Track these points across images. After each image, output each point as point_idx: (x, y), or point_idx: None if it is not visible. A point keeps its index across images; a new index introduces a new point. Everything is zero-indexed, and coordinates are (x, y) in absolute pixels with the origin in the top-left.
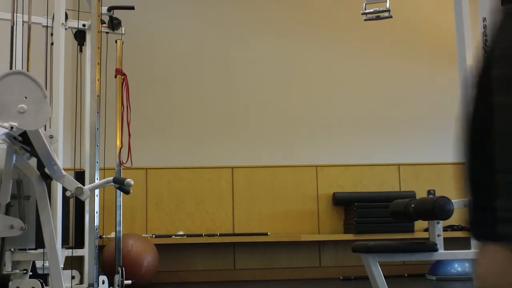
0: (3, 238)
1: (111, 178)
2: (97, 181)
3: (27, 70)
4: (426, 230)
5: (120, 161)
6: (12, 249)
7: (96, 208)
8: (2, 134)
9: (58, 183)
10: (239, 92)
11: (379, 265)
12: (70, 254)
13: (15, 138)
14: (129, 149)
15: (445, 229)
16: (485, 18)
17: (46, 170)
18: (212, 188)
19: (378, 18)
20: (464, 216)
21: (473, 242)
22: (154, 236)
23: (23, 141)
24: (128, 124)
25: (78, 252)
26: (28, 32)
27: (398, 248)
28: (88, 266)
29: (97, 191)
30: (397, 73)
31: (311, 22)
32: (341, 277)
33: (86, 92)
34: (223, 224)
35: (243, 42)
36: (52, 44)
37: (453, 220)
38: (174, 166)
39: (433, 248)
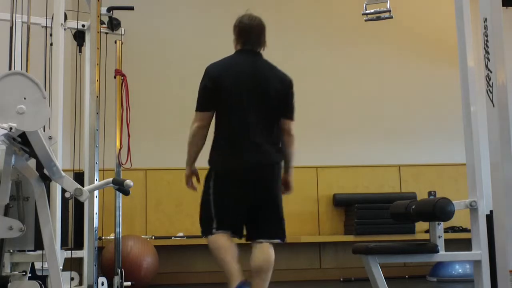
0: (2, 240)
1: (111, 179)
2: (96, 182)
3: (26, 71)
4: (427, 231)
5: (119, 162)
6: (11, 251)
7: (96, 209)
8: (1, 135)
9: (57, 184)
10: None
11: (380, 267)
12: (69, 256)
13: (14, 139)
14: (129, 150)
15: (446, 230)
16: (485, 19)
17: (45, 171)
18: None
19: (378, 18)
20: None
21: (474, 244)
22: (153, 237)
23: (22, 142)
24: (128, 125)
25: (77, 254)
26: (27, 32)
27: (399, 250)
28: (88, 267)
29: (96, 192)
30: (397, 74)
31: (310, 22)
32: (341, 279)
33: (86, 92)
34: None
35: None
36: (51, 44)
37: (454, 221)
38: (174, 167)
39: (434, 249)
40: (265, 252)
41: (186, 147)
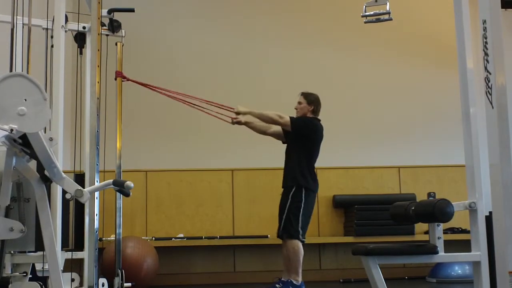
0: (2, 241)
1: (111, 180)
2: (97, 184)
3: (27, 73)
4: (426, 232)
5: (120, 163)
6: (12, 252)
7: (96, 211)
8: (2, 136)
9: (58, 185)
10: (239, 95)
11: (379, 268)
12: (70, 257)
13: (15, 140)
14: None
15: (445, 231)
16: (485, 21)
17: (46, 172)
18: (212, 191)
19: (378, 20)
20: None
21: (473, 246)
22: (154, 238)
23: (23, 143)
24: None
25: (78, 255)
26: (28, 34)
27: (399, 251)
28: (88, 268)
29: (97, 194)
30: (397, 75)
31: (312, 25)
32: (341, 280)
33: (86, 94)
34: (223, 226)
35: (243, 45)
36: (52, 46)
37: (454, 222)
38: (174, 168)
39: (433, 250)
40: None
41: (263, 112)
